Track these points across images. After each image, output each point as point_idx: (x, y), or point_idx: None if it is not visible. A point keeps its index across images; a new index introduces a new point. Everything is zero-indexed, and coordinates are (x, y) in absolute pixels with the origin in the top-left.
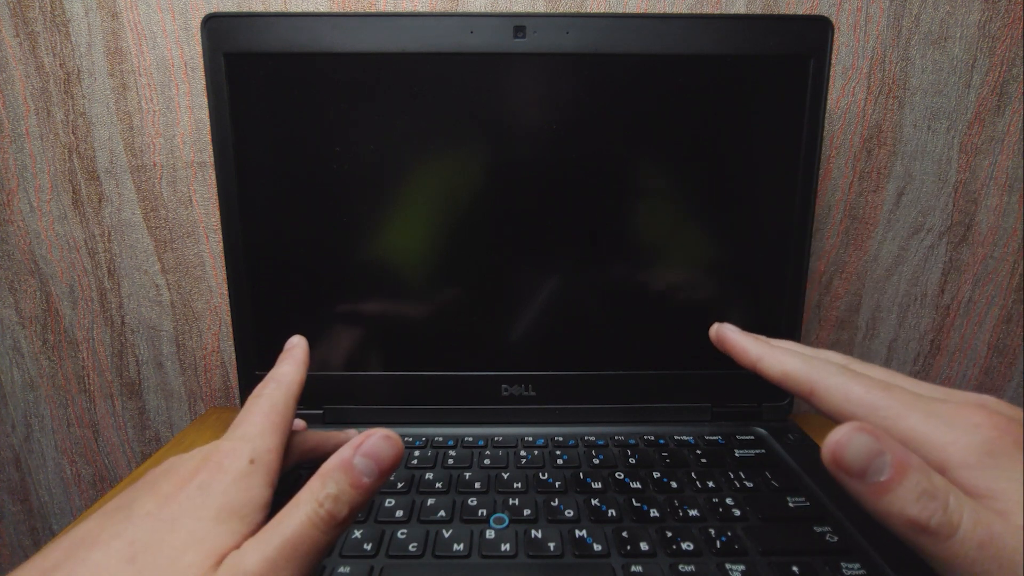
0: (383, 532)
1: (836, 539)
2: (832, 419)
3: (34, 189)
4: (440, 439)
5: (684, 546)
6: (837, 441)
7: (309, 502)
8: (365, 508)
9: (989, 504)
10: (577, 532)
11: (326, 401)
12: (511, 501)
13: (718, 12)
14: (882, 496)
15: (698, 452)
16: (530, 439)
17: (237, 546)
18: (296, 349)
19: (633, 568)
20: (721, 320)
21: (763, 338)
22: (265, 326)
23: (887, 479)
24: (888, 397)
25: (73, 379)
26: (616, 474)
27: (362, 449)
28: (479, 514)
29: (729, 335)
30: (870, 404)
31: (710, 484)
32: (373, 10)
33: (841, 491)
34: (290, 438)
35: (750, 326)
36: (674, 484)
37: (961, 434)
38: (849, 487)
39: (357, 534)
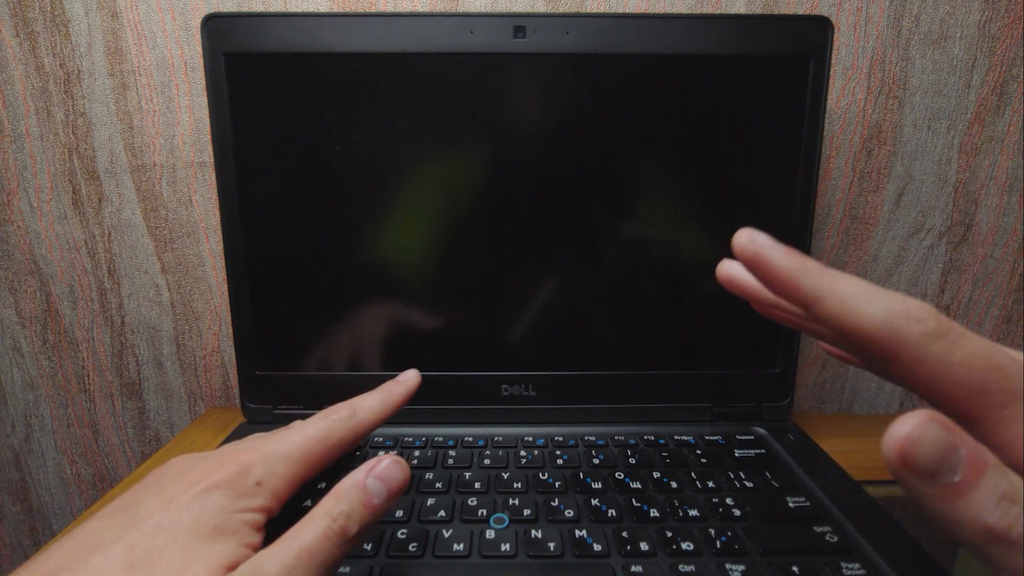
0: (383, 532)
1: (836, 539)
2: (913, 391)
3: (34, 189)
4: (440, 439)
5: (684, 546)
6: (908, 436)
7: (324, 518)
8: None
9: None
10: (577, 532)
11: (326, 401)
12: (511, 501)
13: (718, 12)
14: (955, 500)
15: (698, 452)
16: (530, 439)
17: (239, 560)
18: (398, 387)
19: (633, 568)
20: (724, 313)
21: (817, 264)
22: (265, 326)
23: (961, 480)
24: (1002, 379)
25: (73, 379)
26: (616, 474)
27: (374, 472)
28: (479, 514)
29: (769, 255)
30: (979, 387)
31: (710, 484)
32: (373, 10)
33: (841, 491)
34: None
35: (750, 326)
36: (674, 484)
37: None
38: (913, 489)
39: None
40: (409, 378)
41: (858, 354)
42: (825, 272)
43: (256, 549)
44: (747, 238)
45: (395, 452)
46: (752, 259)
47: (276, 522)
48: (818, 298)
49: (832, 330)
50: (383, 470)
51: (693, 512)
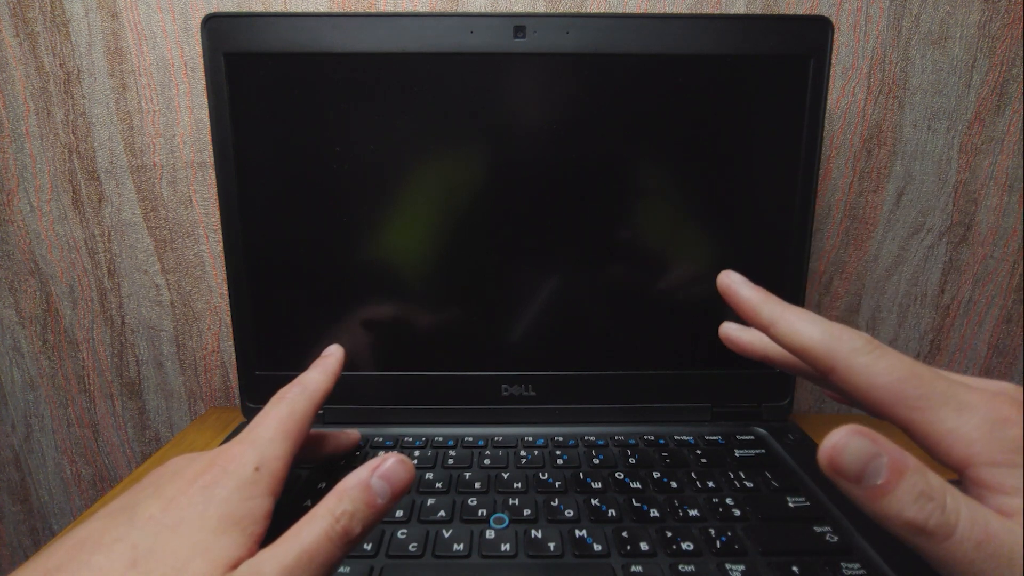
0: (383, 532)
1: (836, 539)
2: (850, 399)
3: (34, 189)
4: (440, 439)
5: (684, 546)
6: (833, 445)
7: (326, 517)
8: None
9: (1010, 501)
10: (577, 532)
11: (326, 401)
12: (511, 501)
13: (718, 12)
14: (879, 499)
15: (698, 452)
16: (530, 439)
17: (242, 556)
18: (330, 358)
19: (633, 568)
20: (721, 318)
21: (775, 297)
22: (265, 326)
23: (884, 482)
24: (920, 386)
25: (73, 379)
26: (616, 474)
27: (379, 472)
28: (479, 514)
29: (738, 289)
30: (899, 392)
31: (710, 484)
32: (373, 10)
33: (841, 491)
34: None
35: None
36: (674, 484)
37: (990, 430)
38: (846, 490)
39: None
40: (333, 351)
41: (808, 369)
42: (780, 304)
43: (261, 539)
44: (724, 275)
45: (396, 452)
46: (726, 291)
47: (276, 523)
48: (773, 322)
49: (785, 347)
50: (388, 469)
51: (693, 512)
